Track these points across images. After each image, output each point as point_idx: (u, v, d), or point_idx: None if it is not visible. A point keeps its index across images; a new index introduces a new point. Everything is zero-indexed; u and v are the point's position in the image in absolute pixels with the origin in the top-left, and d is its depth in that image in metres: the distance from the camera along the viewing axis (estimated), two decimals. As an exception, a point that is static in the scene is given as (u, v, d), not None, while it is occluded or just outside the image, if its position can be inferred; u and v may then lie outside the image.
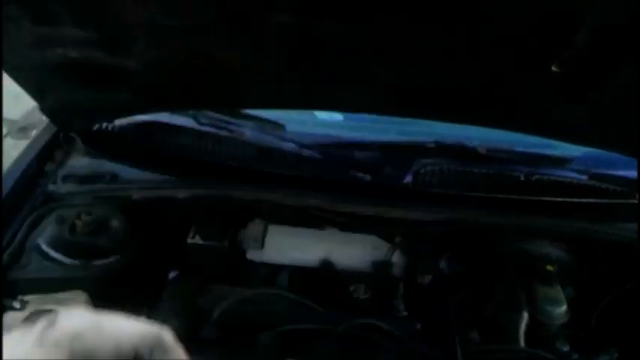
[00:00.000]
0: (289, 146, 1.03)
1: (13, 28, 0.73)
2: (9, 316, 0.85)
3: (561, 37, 0.61)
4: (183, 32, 0.73)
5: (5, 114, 1.39)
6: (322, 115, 1.21)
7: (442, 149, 1.05)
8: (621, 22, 0.29)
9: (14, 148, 1.26)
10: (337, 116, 1.22)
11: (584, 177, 1.04)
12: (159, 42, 0.78)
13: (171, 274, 1.04)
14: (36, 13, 0.72)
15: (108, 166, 1.03)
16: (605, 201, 1.01)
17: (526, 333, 0.97)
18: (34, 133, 1.22)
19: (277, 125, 1.06)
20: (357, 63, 0.78)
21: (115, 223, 0.98)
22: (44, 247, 0.93)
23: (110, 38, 0.78)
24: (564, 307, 0.99)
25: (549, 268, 1.03)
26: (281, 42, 0.73)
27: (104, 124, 1.06)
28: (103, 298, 0.90)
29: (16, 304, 0.87)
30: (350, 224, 1.05)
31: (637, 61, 0.42)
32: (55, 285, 0.90)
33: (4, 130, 1.40)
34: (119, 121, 1.05)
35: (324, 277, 1.07)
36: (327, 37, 0.69)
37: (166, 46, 0.79)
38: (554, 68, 0.66)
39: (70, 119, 1.02)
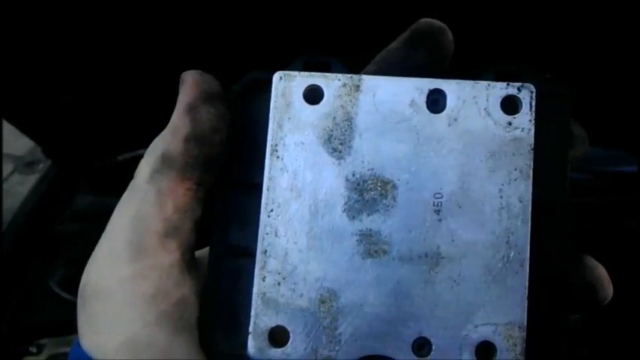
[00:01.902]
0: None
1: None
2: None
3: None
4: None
5: (10, 150, 1.41)
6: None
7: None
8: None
9: (22, 184, 1.27)
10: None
11: (588, 176, 1.03)
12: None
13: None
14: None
15: (113, 202, 1.03)
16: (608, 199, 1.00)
17: None
18: (40, 167, 1.22)
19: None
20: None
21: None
22: (56, 289, 0.94)
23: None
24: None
25: None
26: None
27: (107, 160, 1.06)
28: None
29: (33, 349, 0.88)
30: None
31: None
32: (69, 327, 0.91)
33: (11, 167, 1.42)
34: (122, 156, 1.06)
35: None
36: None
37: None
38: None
39: (71, 158, 1.03)
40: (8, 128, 0.90)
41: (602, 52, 0.66)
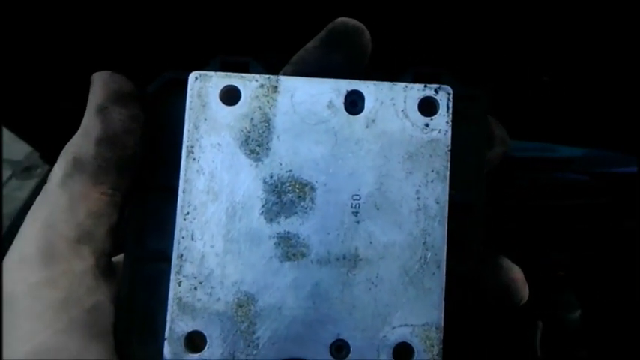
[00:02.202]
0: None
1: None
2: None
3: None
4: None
5: (8, 155, 1.36)
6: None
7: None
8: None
9: (20, 190, 1.23)
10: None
11: (586, 177, 1.04)
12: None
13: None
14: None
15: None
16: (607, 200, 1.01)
17: (541, 341, 0.97)
18: (38, 172, 1.19)
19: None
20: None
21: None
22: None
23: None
24: (579, 312, 0.99)
25: (560, 273, 1.04)
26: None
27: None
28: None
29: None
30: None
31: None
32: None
33: (9, 172, 1.37)
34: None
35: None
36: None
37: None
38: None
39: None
40: (6, 134, 0.87)
41: (603, 53, 0.67)
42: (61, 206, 0.30)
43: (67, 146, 0.31)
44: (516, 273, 0.33)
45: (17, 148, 1.27)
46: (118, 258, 0.33)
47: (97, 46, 0.51)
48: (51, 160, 0.99)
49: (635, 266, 0.96)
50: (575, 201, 0.99)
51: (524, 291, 0.32)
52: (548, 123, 0.87)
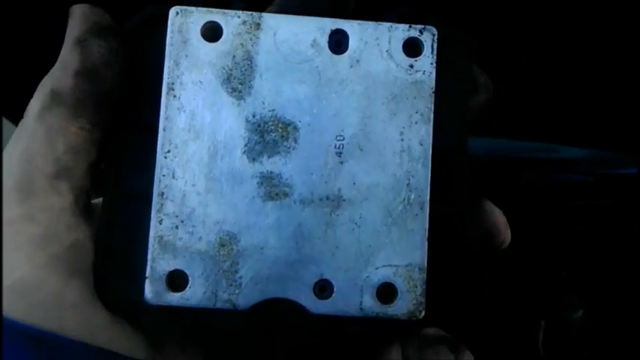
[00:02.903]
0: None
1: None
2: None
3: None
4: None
5: None
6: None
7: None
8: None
9: None
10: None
11: (590, 178, 1.04)
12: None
13: None
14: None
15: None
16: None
17: (544, 341, 0.98)
18: None
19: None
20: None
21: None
22: None
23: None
24: (581, 312, 1.00)
25: (562, 273, 1.03)
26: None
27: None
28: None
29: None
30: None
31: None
32: None
33: None
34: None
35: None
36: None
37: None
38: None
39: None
40: (9, 128, 0.85)
41: (607, 52, 0.67)
42: (39, 140, 0.29)
43: (44, 79, 0.30)
44: (498, 216, 0.33)
45: None
46: (96, 200, 0.33)
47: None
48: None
49: (638, 267, 0.97)
50: (579, 201, 0.99)
51: (507, 234, 0.33)
52: (551, 123, 0.87)
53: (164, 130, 0.30)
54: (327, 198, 0.31)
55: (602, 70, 0.70)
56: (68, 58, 0.30)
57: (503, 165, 1.04)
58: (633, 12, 0.58)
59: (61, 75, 0.30)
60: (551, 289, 1.01)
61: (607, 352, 0.99)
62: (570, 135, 0.93)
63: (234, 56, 0.31)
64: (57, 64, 0.30)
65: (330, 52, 0.31)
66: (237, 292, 0.30)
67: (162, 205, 0.30)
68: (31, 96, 0.30)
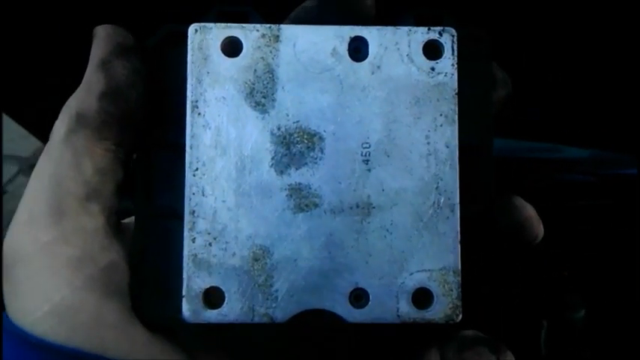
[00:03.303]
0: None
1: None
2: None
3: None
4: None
5: (16, 151, 1.35)
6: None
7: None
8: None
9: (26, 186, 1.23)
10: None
11: (592, 179, 1.03)
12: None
13: None
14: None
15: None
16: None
17: (546, 341, 0.98)
18: None
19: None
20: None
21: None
22: None
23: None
24: (583, 312, 0.99)
25: (565, 273, 1.03)
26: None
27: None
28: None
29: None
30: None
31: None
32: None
33: (16, 168, 1.37)
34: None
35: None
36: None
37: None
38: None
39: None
40: (13, 129, 0.86)
41: (610, 52, 0.67)
42: (67, 163, 0.30)
43: (68, 101, 0.30)
44: (530, 210, 0.32)
45: (25, 145, 1.26)
46: (126, 220, 0.33)
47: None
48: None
49: (636, 267, 0.96)
50: (581, 201, 0.99)
51: (539, 228, 0.32)
52: (553, 123, 0.87)
53: (191, 148, 0.30)
54: (357, 206, 0.31)
55: (603, 71, 0.70)
56: (93, 79, 0.30)
57: (505, 165, 1.03)
58: (633, 12, 0.57)
59: (85, 97, 0.30)
60: (554, 289, 1.00)
61: (609, 352, 0.99)
62: (572, 135, 0.93)
63: (255, 70, 0.31)
64: (81, 86, 0.30)
65: (350, 60, 0.31)
66: (273, 305, 0.30)
67: (194, 223, 0.30)
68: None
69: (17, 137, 0.87)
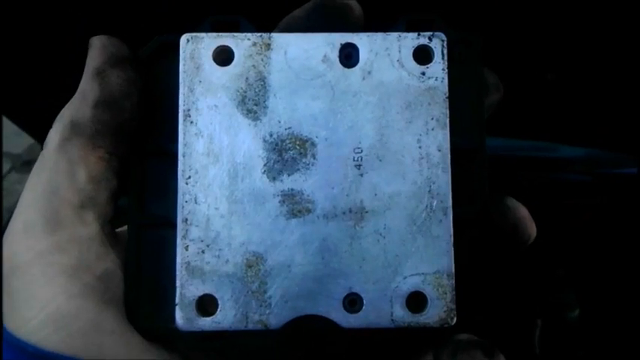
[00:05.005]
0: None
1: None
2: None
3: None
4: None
5: (8, 148, 1.36)
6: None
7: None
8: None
9: (19, 183, 1.23)
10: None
11: (588, 178, 1.03)
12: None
13: None
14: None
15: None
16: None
17: (540, 340, 0.97)
18: None
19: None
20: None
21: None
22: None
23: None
24: (577, 311, 0.99)
25: (559, 272, 1.03)
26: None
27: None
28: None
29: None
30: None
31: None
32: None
33: (9, 165, 1.37)
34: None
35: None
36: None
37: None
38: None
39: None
40: (6, 126, 0.86)
41: (607, 51, 0.67)
42: (62, 171, 0.30)
43: (63, 110, 0.31)
44: (522, 211, 0.32)
45: (17, 141, 1.26)
46: (120, 229, 0.33)
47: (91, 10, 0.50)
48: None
49: (635, 266, 0.96)
50: (576, 200, 0.98)
51: (532, 228, 0.32)
52: (550, 122, 0.87)
53: (183, 156, 0.30)
54: (350, 211, 0.31)
55: (602, 70, 0.70)
56: (87, 88, 0.30)
57: (501, 163, 1.04)
58: (633, 12, 0.58)
59: (80, 106, 0.30)
60: (548, 288, 1.00)
61: (603, 351, 0.98)
62: (569, 134, 0.93)
63: (247, 78, 0.31)
64: (76, 95, 0.31)
65: (341, 66, 0.31)
66: (267, 312, 0.30)
67: (187, 231, 0.30)
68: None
69: (9, 134, 0.87)
